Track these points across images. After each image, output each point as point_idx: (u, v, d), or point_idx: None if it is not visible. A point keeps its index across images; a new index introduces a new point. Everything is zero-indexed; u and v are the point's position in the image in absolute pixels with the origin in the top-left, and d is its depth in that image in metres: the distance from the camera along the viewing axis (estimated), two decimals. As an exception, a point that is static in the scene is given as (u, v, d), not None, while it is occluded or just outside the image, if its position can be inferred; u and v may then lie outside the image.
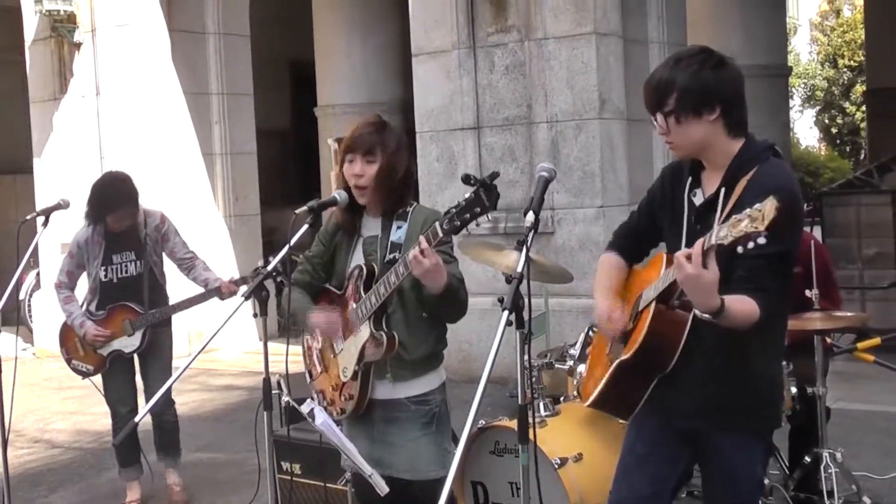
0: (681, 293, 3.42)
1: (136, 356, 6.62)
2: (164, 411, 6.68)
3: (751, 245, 2.98)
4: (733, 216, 3.06)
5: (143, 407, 4.55)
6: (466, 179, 3.70)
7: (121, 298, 6.49)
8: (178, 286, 6.86)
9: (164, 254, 6.65)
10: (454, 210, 3.73)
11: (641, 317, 3.57)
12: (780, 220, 3.02)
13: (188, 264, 6.65)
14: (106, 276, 6.48)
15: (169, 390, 6.66)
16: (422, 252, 3.79)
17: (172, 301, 6.64)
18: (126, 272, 6.48)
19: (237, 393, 9.93)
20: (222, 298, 6.44)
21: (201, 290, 6.56)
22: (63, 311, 6.59)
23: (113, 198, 6.33)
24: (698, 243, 3.17)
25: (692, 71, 3.50)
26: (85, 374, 6.69)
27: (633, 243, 3.95)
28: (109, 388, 6.64)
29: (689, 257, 3.15)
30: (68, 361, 6.73)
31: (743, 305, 3.31)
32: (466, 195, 3.72)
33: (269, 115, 15.86)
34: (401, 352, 4.13)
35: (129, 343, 6.48)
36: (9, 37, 14.65)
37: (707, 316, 3.25)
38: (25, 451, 8.27)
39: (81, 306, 6.59)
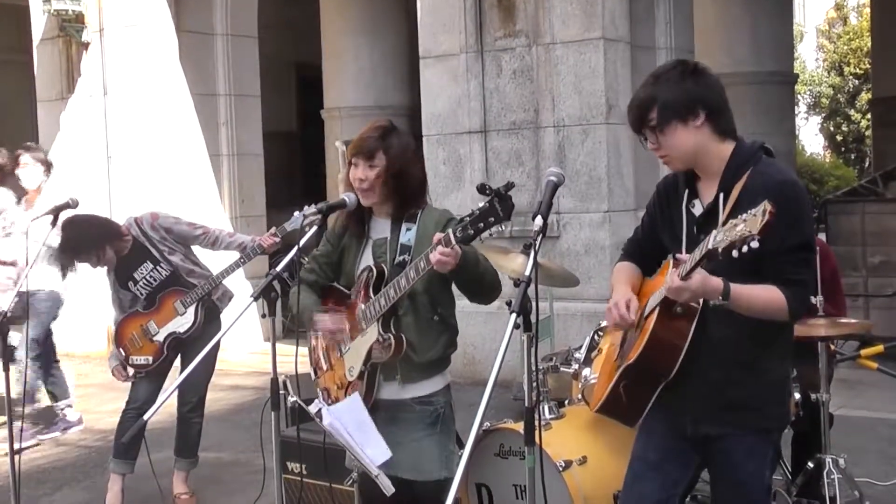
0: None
1: (181, 355, 6.57)
2: (194, 412, 6.70)
3: (745, 249, 3.06)
4: (730, 221, 3.14)
5: (157, 404, 4.54)
6: (482, 189, 3.72)
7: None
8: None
9: (180, 244, 6.59)
10: (468, 219, 3.76)
11: (646, 322, 3.61)
12: (783, 218, 3.15)
13: (208, 239, 6.57)
14: (143, 294, 6.50)
15: (204, 394, 6.71)
16: (444, 253, 3.82)
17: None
18: (156, 280, 6.48)
19: (243, 393, 9.95)
20: (268, 254, 6.37)
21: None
22: None
23: (66, 251, 6.35)
24: (681, 268, 3.33)
25: (672, 82, 3.56)
26: (144, 368, 6.56)
27: (640, 258, 3.99)
28: (144, 378, 6.59)
29: (675, 289, 3.33)
30: (126, 361, 6.58)
31: (759, 290, 3.39)
32: (480, 204, 3.73)
33: (276, 117, 15.88)
34: (410, 354, 4.16)
35: (182, 322, 6.44)
36: (17, 36, 14.71)
37: (719, 300, 3.34)
38: (31, 448, 8.30)
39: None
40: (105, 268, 6.52)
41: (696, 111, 3.53)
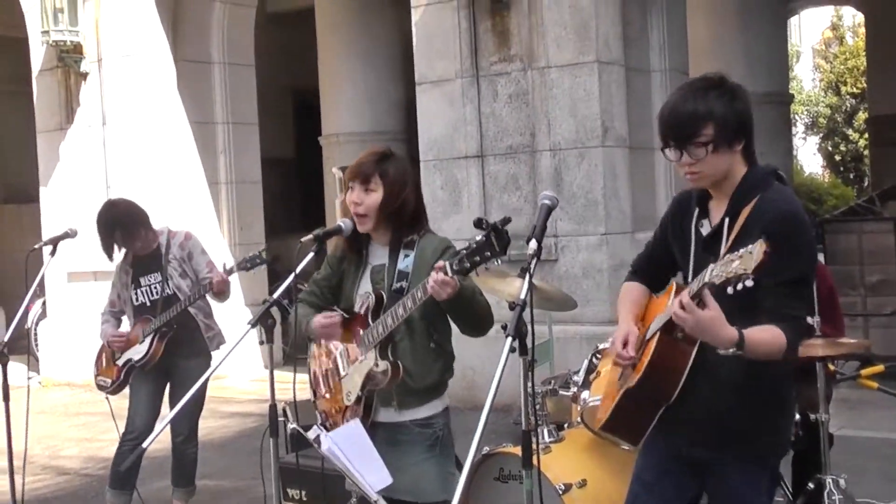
0: None
1: (169, 386, 6.61)
2: (187, 443, 6.68)
3: (740, 286, 3.01)
4: (727, 255, 3.11)
5: (154, 433, 4.55)
6: (479, 223, 3.72)
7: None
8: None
9: (194, 273, 6.61)
10: (464, 252, 3.77)
11: (647, 347, 3.60)
12: (783, 250, 3.11)
13: (206, 282, 6.55)
14: (137, 300, 6.54)
15: (195, 424, 6.70)
16: (438, 280, 3.83)
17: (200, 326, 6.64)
18: (156, 294, 6.51)
19: (244, 420, 9.94)
20: (216, 294, 6.43)
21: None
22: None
23: (106, 226, 6.40)
24: (685, 293, 3.27)
25: (726, 100, 3.46)
26: (105, 389, 6.65)
27: (651, 272, 3.97)
28: (129, 406, 6.61)
29: (682, 306, 3.22)
30: (95, 379, 6.74)
31: (765, 334, 3.33)
32: (477, 238, 3.74)
33: (274, 144, 15.92)
34: (407, 380, 4.16)
35: (140, 350, 6.47)
36: (16, 67, 14.75)
37: (731, 350, 3.26)
38: (33, 478, 8.25)
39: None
40: (129, 262, 6.57)
41: (741, 135, 3.50)
